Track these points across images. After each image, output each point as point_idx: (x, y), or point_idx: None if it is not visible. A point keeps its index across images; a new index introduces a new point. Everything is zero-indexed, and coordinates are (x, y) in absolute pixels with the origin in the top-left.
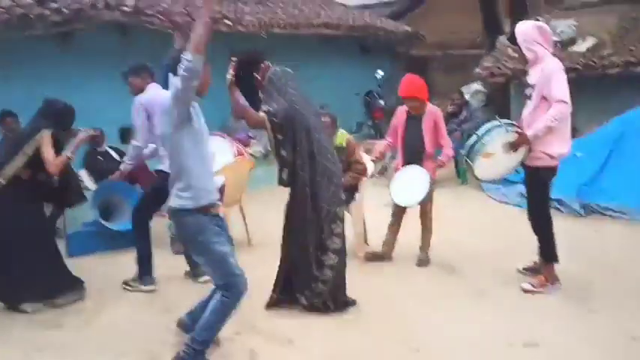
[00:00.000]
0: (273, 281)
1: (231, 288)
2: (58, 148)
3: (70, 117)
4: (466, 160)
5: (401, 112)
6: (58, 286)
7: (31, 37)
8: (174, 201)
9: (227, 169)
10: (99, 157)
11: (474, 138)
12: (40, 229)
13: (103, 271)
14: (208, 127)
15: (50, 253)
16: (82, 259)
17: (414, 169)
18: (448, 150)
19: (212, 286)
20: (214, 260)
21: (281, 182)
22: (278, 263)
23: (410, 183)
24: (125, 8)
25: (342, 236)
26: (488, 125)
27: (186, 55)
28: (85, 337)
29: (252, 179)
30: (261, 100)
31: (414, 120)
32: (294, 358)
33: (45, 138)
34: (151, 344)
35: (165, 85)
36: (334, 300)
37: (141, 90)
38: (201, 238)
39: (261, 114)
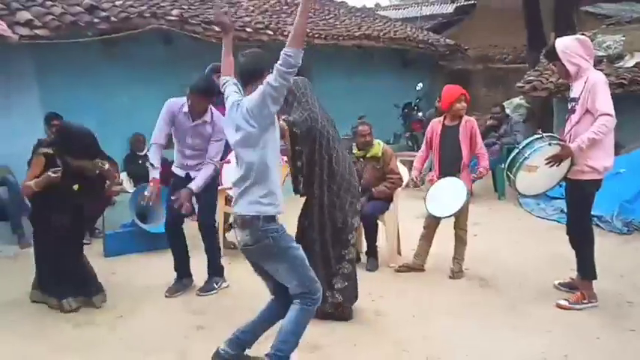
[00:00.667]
0: None
1: (313, 294)
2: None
3: (74, 144)
4: (507, 174)
5: (436, 123)
6: (93, 286)
7: (79, 43)
8: (252, 208)
9: None
10: (139, 161)
11: (515, 151)
12: (77, 230)
13: (138, 271)
14: None
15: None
16: (119, 258)
17: (450, 181)
18: (485, 161)
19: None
20: (297, 266)
21: (297, 192)
22: None
23: (446, 194)
24: (170, 17)
25: (355, 247)
26: (530, 138)
27: (288, 50)
28: (117, 336)
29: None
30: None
31: (450, 130)
32: None
33: (36, 157)
34: (181, 344)
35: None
36: (344, 308)
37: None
38: (285, 245)
39: (282, 122)
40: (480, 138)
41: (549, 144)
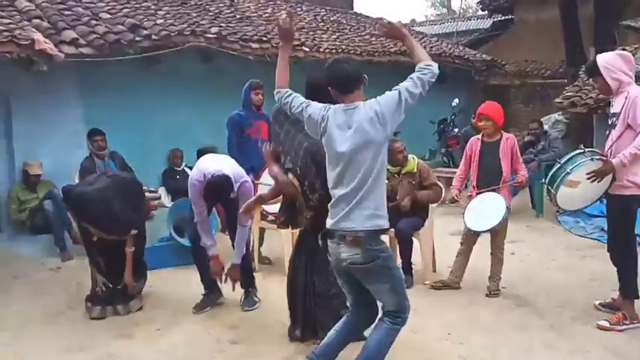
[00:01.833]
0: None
1: (404, 312)
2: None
3: (81, 212)
4: (548, 189)
5: (474, 141)
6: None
7: (122, 61)
8: (369, 223)
9: None
10: (177, 176)
11: (557, 166)
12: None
13: (176, 285)
14: None
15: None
16: (156, 272)
17: (490, 196)
18: (524, 171)
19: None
20: (399, 286)
21: (302, 224)
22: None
23: (485, 209)
24: (209, 35)
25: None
26: (572, 153)
27: (430, 62)
28: (155, 349)
29: None
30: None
31: (490, 146)
32: None
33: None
34: (216, 358)
35: (247, 106)
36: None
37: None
38: (391, 264)
39: (290, 176)
40: (519, 154)
41: (591, 159)
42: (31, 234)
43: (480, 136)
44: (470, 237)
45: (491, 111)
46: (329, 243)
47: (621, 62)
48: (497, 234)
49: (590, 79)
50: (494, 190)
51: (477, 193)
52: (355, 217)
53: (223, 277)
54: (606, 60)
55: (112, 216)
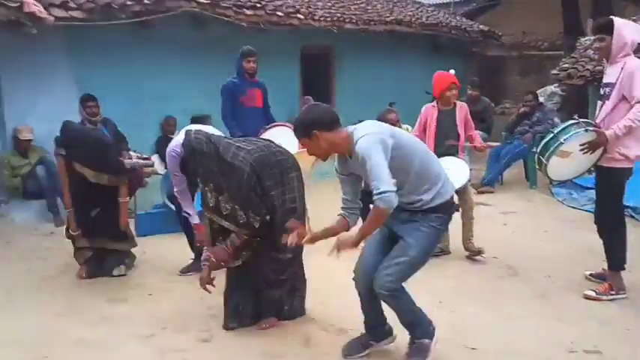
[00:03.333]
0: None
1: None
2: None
3: (76, 148)
4: (539, 158)
5: (430, 108)
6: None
7: (113, 25)
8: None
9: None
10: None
11: (550, 135)
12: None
13: (168, 251)
14: (276, 117)
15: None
16: (150, 238)
17: (451, 159)
18: (478, 137)
19: None
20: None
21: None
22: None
23: (449, 172)
24: (202, 0)
25: None
26: (566, 123)
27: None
28: (146, 312)
29: (316, 172)
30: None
31: (447, 114)
32: None
33: (57, 160)
34: (207, 323)
35: (240, 74)
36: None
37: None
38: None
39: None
40: (471, 121)
41: (585, 130)
42: (24, 199)
43: (435, 103)
44: None
45: (456, 80)
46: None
47: (634, 32)
48: (466, 196)
49: (596, 38)
50: (453, 150)
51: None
52: (418, 200)
53: None
54: (623, 23)
55: (102, 155)
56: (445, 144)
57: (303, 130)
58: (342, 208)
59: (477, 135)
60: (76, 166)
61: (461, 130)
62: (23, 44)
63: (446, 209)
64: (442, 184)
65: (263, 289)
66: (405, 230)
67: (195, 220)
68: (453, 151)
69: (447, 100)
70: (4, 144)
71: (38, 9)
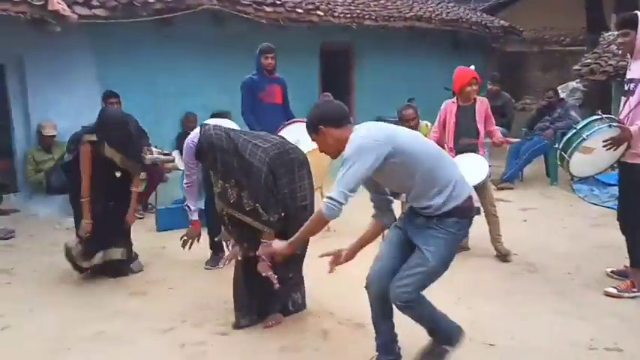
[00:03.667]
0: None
1: None
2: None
3: (113, 132)
4: (562, 155)
5: (450, 104)
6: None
7: (135, 23)
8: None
9: (310, 154)
10: None
11: (572, 131)
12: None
13: None
14: (296, 113)
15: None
16: (170, 233)
17: (469, 156)
18: (498, 133)
19: None
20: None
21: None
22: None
23: (467, 168)
24: None
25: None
26: (589, 119)
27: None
28: (165, 306)
29: (334, 167)
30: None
31: (466, 109)
32: (364, 341)
33: (82, 146)
34: (228, 317)
35: (259, 71)
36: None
37: None
38: None
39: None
40: (492, 116)
41: (609, 126)
42: (47, 194)
43: (454, 99)
44: None
45: (477, 75)
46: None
47: None
48: (485, 193)
49: (619, 33)
50: (472, 146)
51: (455, 154)
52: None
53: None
54: None
55: (130, 140)
56: (460, 142)
57: (311, 125)
58: (373, 208)
59: (497, 130)
60: (107, 151)
61: (480, 126)
62: (47, 41)
63: (462, 212)
64: (454, 186)
65: (271, 285)
66: (422, 238)
67: (194, 216)
68: (472, 148)
69: (467, 96)
70: (29, 139)
71: (62, 7)
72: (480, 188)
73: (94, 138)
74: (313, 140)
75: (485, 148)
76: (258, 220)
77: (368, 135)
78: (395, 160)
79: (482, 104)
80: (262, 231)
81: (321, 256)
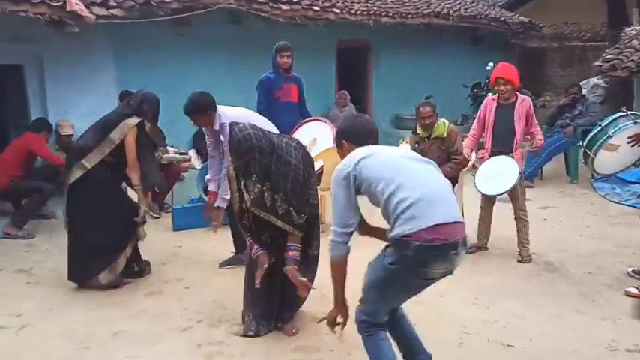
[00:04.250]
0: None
1: None
2: (141, 139)
3: (155, 106)
4: (586, 152)
5: (490, 101)
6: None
7: (152, 22)
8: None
9: (326, 153)
10: None
11: (597, 128)
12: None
13: (205, 245)
14: (313, 112)
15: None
16: (186, 233)
17: (502, 159)
18: (540, 135)
19: None
20: None
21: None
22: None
23: (497, 172)
24: None
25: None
26: (613, 116)
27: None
28: (183, 306)
29: None
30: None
31: (505, 109)
32: None
33: (130, 131)
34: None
35: (275, 69)
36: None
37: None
38: None
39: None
40: (535, 117)
41: (635, 122)
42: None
43: (495, 96)
44: (487, 200)
45: (509, 74)
46: (451, 255)
47: None
48: (516, 197)
49: None
50: (507, 153)
51: (490, 156)
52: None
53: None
54: None
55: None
56: (494, 150)
57: (337, 136)
58: None
59: (539, 132)
60: (150, 129)
61: (518, 127)
62: (66, 42)
63: (400, 246)
64: (401, 213)
65: (290, 287)
66: None
67: (211, 187)
68: (507, 149)
69: (499, 95)
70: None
71: (80, 7)
72: (509, 194)
73: (137, 121)
74: (339, 148)
75: (523, 149)
76: (289, 223)
77: (344, 163)
78: (363, 184)
79: (523, 104)
80: (287, 232)
81: (319, 322)
